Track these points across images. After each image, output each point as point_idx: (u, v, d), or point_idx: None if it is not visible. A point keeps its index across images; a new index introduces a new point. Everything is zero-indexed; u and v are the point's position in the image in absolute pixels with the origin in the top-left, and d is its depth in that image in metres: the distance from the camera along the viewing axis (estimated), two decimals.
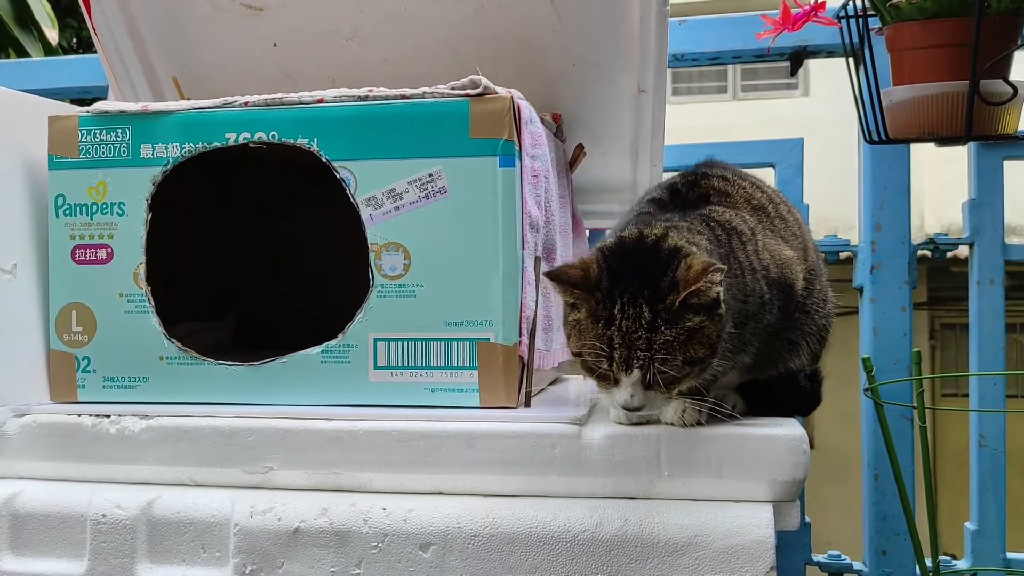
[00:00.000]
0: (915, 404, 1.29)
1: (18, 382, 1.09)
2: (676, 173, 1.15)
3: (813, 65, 7.32)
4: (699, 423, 0.92)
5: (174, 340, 1.09)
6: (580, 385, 1.38)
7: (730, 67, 7.70)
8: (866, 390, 1.20)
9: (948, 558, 1.51)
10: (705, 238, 0.93)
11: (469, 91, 1.04)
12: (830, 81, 7.12)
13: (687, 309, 0.86)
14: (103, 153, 1.10)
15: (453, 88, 1.05)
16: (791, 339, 1.01)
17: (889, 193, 1.44)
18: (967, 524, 1.49)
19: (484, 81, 1.04)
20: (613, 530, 0.89)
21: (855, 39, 1.33)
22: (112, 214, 1.10)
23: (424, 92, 1.05)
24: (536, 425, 0.96)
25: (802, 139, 1.53)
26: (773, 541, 0.87)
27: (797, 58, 1.48)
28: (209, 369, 1.08)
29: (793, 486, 0.91)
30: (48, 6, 3.03)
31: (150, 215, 1.10)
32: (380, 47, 1.38)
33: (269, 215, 1.51)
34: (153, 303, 1.09)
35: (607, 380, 0.89)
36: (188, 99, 1.41)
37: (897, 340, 1.43)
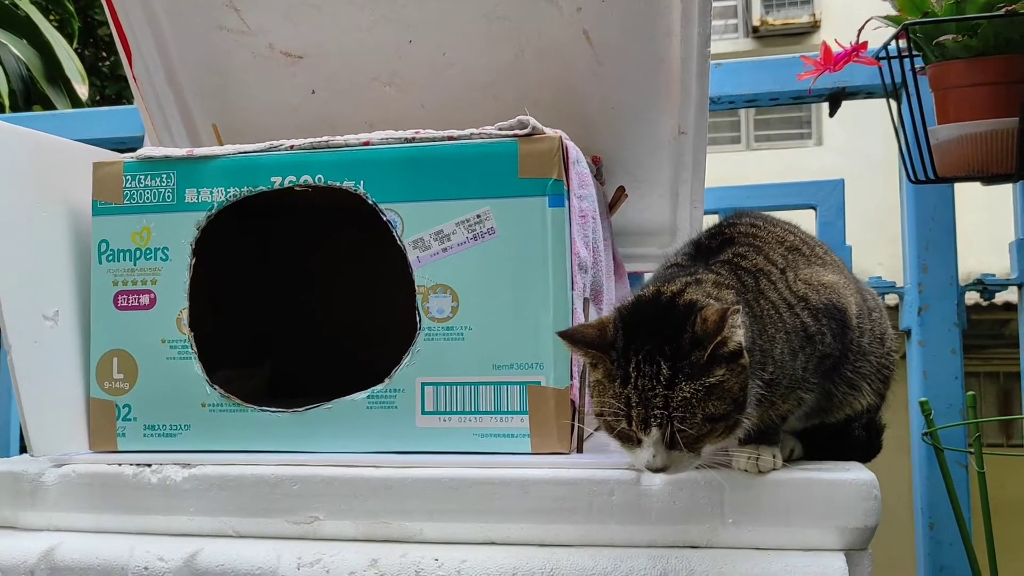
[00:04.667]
0: (972, 449, 1.26)
1: (57, 431, 1.07)
2: (703, 230, 1.12)
3: (824, 115, 7.37)
4: (773, 469, 0.88)
5: (216, 387, 1.07)
6: None
7: (743, 117, 7.75)
8: (924, 434, 1.16)
9: None
10: (729, 288, 0.90)
11: (517, 131, 1.03)
12: (843, 130, 7.16)
13: (714, 362, 0.83)
14: (147, 198, 1.09)
15: (501, 128, 1.04)
16: (851, 381, 0.98)
17: (935, 234, 1.42)
18: None
19: (532, 121, 1.03)
20: None
21: (896, 79, 1.32)
22: (156, 259, 1.09)
23: (471, 133, 1.04)
24: (593, 471, 0.93)
25: (843, 180, 1.51)
26: None
27: (835, 99, 1.48)
28: (252, 416, 1.06)
29: (865, 533, 0.87)
30: (78, 62, 3.08)
31: (194, 260, 1.08)
32: (418, 93, 1.38)
33: (306, 261, 1.50)
34: (196, 349, 1.08)
35: (629, 440, 0.86)
36: None
37: (948, 383, 1.40)
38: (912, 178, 1.34)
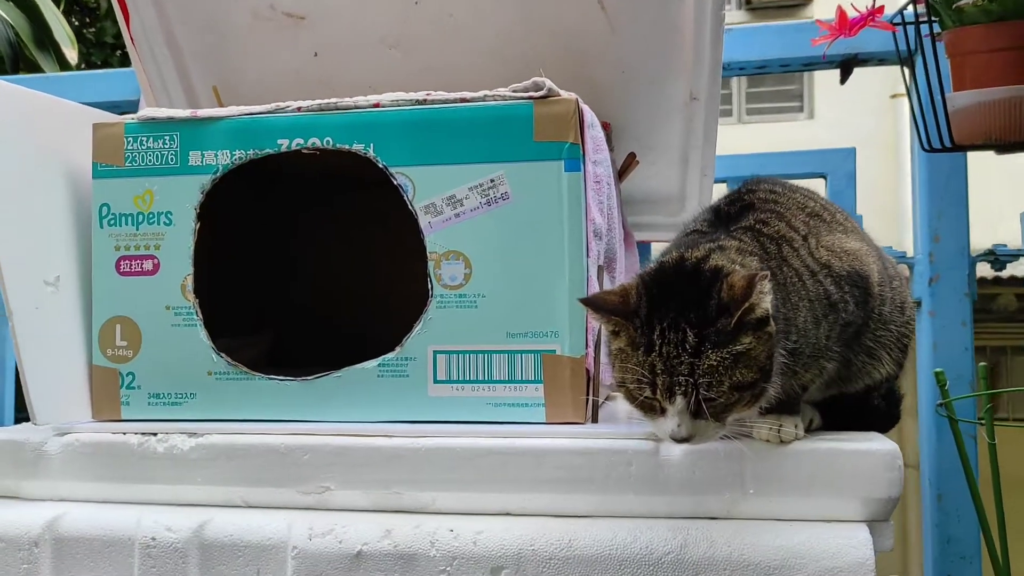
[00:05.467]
0: (983, 420, 1.25)
1: (59, 399, 1.04)
2: (722, 196, 1.10)
3: (818, 88, 7.33)
4: (796, 439, 0.87)
5: (223, 355, 1.04)
6: None
7: (735, 90, 7.70)
8: (939, 405, 1.15)
9: None
10: (752, 255, 0.88)
11: (532, 93, 1.00)
12: (835, 104, 7.13)
13: (741, 329, 0.81)
14: (150, 161, 1.06)
15: (515, 91, 1.01)
16: (871, 350, 0.97)
17: (947, 203, 1.41)
18: None
19: (548, 83, 1.00)
20: (699, 552, 0.84)
21: (912, 45, 1.29)
22: (159, 224, 1.06)
23: (485, 95, 1.02)
24: (611, 441, 0.91)
25: (854, 149, 1.49)
26: (873, 564, 0.82)
27: (847, 66, 1.45)
28: (260, 385, 1.03)
29: (888, 504, 0.86)
30: (67, 25, 3.02)
31: (198, 225, 1.06)
32: (424, 56, 1.35)
33: (304, 228, 1.47)
34: (201, 316, 1.05)
35: (652, 410, 0.84)
36: None
37: (959, 355, 1.39)
38: (926, 146, 1.32)
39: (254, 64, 1.38)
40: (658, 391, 0.81)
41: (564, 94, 1.01)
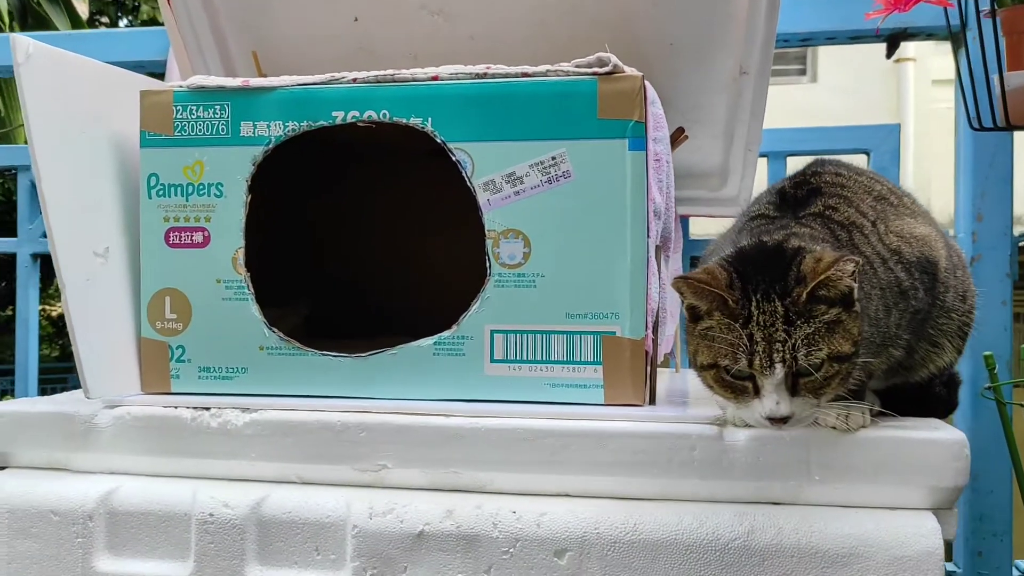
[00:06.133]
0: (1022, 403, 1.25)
1: (108, 372, 1.03)
2: (784, 178, 1.09)
3: (821, 50, 7.24)
4: (863, 426, 0.86)
5: (275, 330, 1.03)
6: (677, 379, 1.33)
7: None
8: (987, 388, 1.15)
9: None
10: (824, 242, 0.88)
11: (597, 69, 0.98)
12: (839, 68, 7.05)
13: (818, 302, 0.81)
14: (200, 131, 1.04)
15: (578, 66, 0.99)
16: (933, 339, 0.96)
17: (991, 182, 1.39)
18: None
19: (613, 59, 0.98)
20: (767, 539, 0.84)
21: (966, 20, 1.27)
22: (209, 195, 1.04)
23: (547, 70, 0.99)
24: (674, 425, 0.90)
25: (898, 125, 1.47)
26: (942, 553, 0.82)
27: (895, 40, 1.42)
28: (313, 360, 1.02)
29: (954, 493, 0.86)
30: None
31: (250, 197, 1.04)
32: (467, 23, 1.32)
33: (346, 197, 1.45)
34: (252, 290, 1.04)
35: (744, 392, 0.83)
36: (265, 76, 1.35)
37: (998, 335, 1.38)
38: (975, 125, 1.30)
39: (292, 28, 1.35)
40: (757, 361, 0.80)
41: (628, 70, 0.99)
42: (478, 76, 1.00)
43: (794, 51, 7.80)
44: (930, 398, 0.98)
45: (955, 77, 1.46)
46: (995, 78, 1.24)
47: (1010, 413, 1.41)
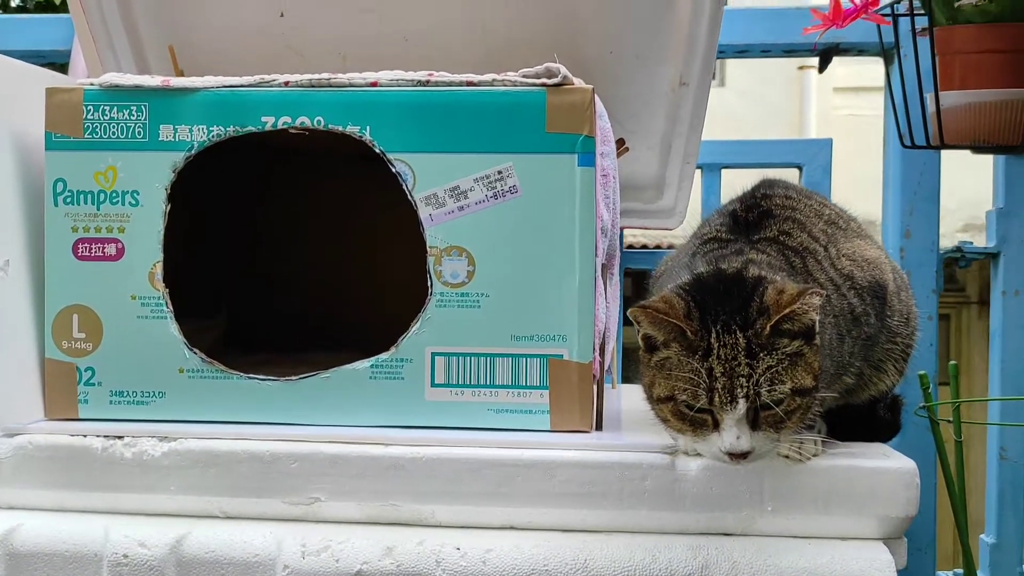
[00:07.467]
0: (951, 419, 1.27)
1: (7, 397, 0.94)
2: (733, 199, 1.07)
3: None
4: (815, 455, 0.85)
5: (197, 351, 0.96)
6: (613, 396, 1.30)
7: None
8: (921, 407, 1.15)
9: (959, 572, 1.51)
10: (780, 271, 0.86)
11: (545, 80, 0.94)
12: (746, 73, 7.22)
13: (781, 335, 0.79)
14: (114, 133, 0.95)
15: (526, 76, 0.95)
16: (879, 363, 0.96)
17: (919, 199, 1.41)
18: (983, 537, 1.48)
19: (562, 70, 0.94)
20: (721, 573, 0.82)
21: (899, 38, 1.28)
22: (124, 204, 0.96)
23: (493, 79, 0.95)
24: (624, 454, 0.87)
25: (830, 140, 1.48)
26: None
27: (827, 55, 1.43)
28: (238, 384, 0.95)
29: (904, 523, 0.85)
30: None
31: (169, 206, 0.96)
32: (402, 23, 1.26)
33: (265, 208, 1.37)
34: (172, 308, 0.96)
35: (703, 426, 0.81)
36: (183, 73, 1.26)
37: (924, 350, 1.40)
38: (907, 143, 1.32)
39: (211, 22, 1.26)
40: (717, 397, 0.77)
41: (578, 82, 0.95)
42: (420, 83, 0.95)
43: None
44: (875, 421, 0.98)
45: (885, 94, 1.48)
46: (929, 97, 1.25)
47: (953, 432, 1.43)
